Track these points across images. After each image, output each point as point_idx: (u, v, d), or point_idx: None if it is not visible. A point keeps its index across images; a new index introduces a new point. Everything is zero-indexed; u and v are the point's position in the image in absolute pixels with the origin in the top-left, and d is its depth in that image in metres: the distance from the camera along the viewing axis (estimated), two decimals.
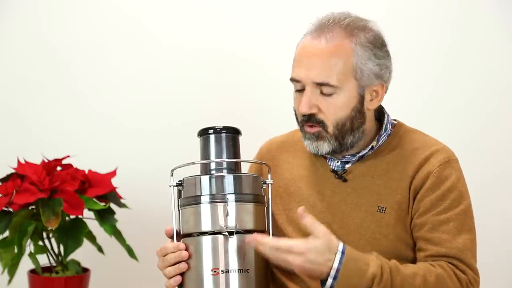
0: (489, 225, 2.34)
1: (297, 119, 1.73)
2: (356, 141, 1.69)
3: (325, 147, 1.66)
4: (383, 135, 1.72)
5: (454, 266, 1.60)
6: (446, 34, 2.60)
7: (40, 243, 2.29)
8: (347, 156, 1.72)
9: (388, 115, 1.75)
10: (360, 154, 1.71)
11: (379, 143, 1.72)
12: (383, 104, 1.76)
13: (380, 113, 1.76)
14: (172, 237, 1.62)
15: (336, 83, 1.62)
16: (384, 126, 1.73)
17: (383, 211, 1.66)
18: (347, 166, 1.72)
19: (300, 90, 1.67)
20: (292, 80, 1.68)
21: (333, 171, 1.73)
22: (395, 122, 1.78)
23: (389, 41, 1.72)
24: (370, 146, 1.71)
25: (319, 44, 1.63)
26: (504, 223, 2.58)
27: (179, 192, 1.64)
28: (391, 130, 1.74)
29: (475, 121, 2.59)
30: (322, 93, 1.64)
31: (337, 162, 1.73)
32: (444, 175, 1.66)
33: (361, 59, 1.64)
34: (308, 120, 1.66)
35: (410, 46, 2.56)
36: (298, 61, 1.67)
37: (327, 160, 1.75)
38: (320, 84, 1.63)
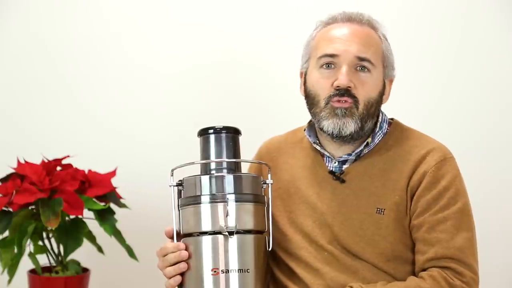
0: (489, 225, 2.34)
1: (311, 101, 1.70)
2: (367, 132, 1.69)
3: (351, 126, 1.65)
4: (378, 133, 1.72)
5: (450, 271, 1.59)
6: (445, 34, 2.60)
7: (40, 243, 2.29)
8: (344, 156, 1.71)
9: (383, 114, 1.75)
10: (356, 151, 1.70)
11: (375, 140, 1.71)
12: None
13: None
14: (172, 237, 1.62)
15: (374, 61, 1.67)
16: (379, 124, 1.72)
17: (382, 213, 1.65)
18: (344, 166, 1.72)
19: (328, 67, 1.67)
20: (326, 56, 1.67)
21: (331, 172, 1.72)
22: (391, 121, 1.77)
23: (389, 41, 1.73)
24: (365, 143, 1.70)
25: (354, 26, 1.68)
26: (504, 223, 2.57)
27: (179, 192, 1.64)
28: (387, 129, 1.74)
29: (475, 121, 2.59)
30: (358, 70, 1.66)
31: (335, 162, 1.72)
32: (440, 174, 1.65)
33: (387, 49, 1.71)
34: (342, 95, 1.65)
35: (409, 46, 2.56)
36: (333, 39, 1.68)
37: (325, 161, 1.74)
38: (361, 59, 1.65)
